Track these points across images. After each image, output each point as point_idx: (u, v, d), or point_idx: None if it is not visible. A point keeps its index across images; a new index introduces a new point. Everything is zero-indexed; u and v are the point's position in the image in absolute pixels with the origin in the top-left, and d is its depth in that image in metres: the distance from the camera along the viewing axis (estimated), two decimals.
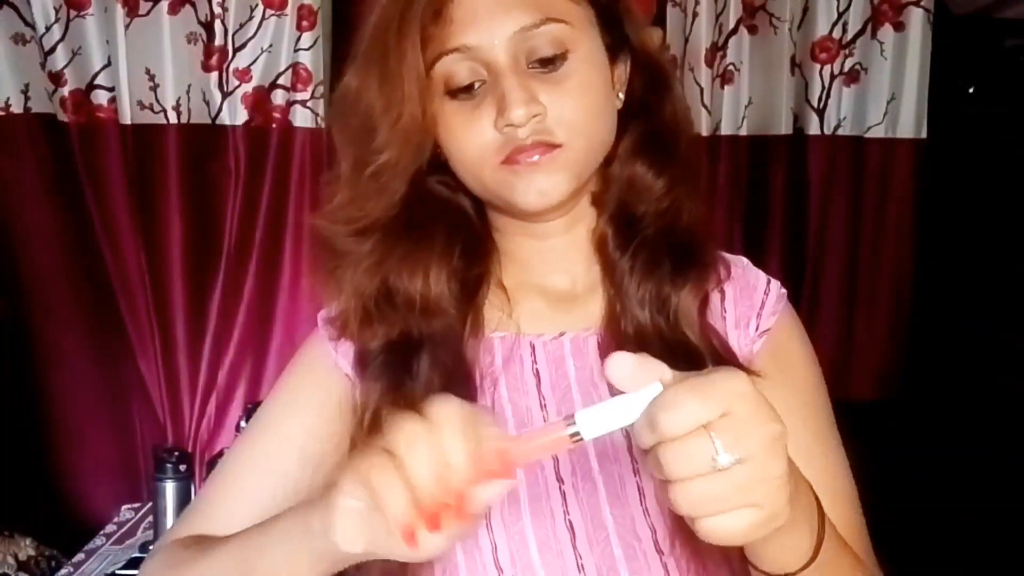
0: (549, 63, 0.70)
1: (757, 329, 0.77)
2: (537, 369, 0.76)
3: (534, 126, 0.69)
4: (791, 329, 0.79)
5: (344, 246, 0.75)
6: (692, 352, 0.71)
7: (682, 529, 0.67)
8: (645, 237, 0.76)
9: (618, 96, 0.77)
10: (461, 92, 0.71)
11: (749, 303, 0.78)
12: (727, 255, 0.80)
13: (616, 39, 0.76)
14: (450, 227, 0.77)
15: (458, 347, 0.74)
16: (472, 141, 0.71)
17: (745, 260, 0.81)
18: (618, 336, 0.74)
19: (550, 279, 0.80)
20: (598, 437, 0.48)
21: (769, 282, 0.80)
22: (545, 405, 0.75)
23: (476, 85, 0.70)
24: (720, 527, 0.46)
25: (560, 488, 0.71)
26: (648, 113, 0.77)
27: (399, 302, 0.74)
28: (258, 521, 0.66)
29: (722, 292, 0.77)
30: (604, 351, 0.75)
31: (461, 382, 0.73)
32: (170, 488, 1.46)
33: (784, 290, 0.80)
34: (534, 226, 0.77)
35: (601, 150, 0.75)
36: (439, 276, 0.74)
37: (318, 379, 0.78)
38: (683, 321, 0.73)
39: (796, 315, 0.80)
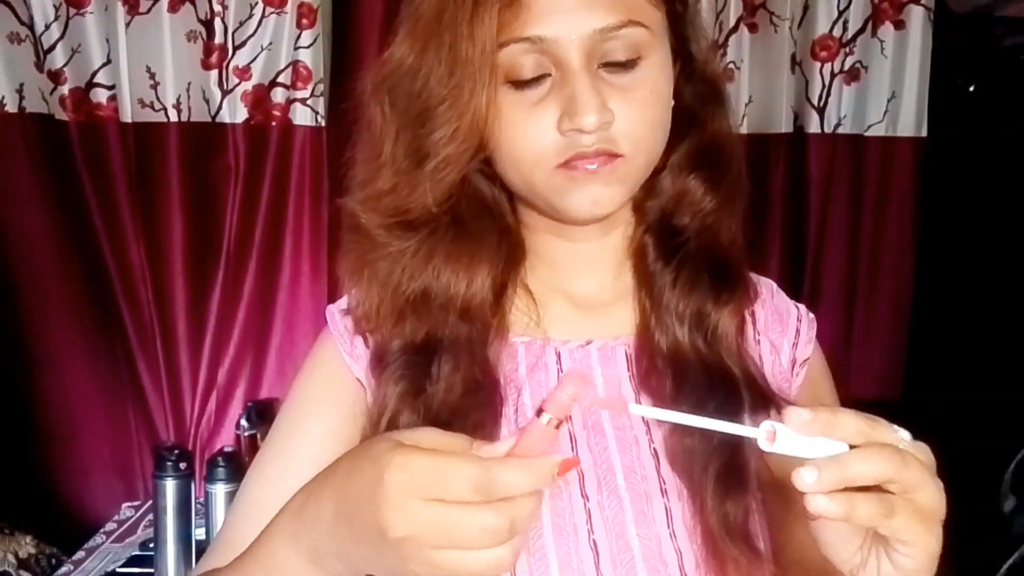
0: (621, 67, 0.66)
1: (793, 358, 0.76)
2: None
3: (600, 133, 0.65)
4: (820, 358, 0.78)
5: (382, 237, 0.70)
6: (727, 375, 0.69)
7: (713, 555, 0.66)
8: (688, 251, 0.73)
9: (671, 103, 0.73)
10: (524, 83, 0.66)
11: (781, 329, 0.76)
12: (755, 276, 0.78)
13: (678, 45, 0.72)
14: (499, 230, 0.73)
15: (482, 351, 0.71)
16: (530, 140, 0.66)
17: (773, 284, 0.80)
18: (650, 349, 0.72)
19: (577, 283, 0.76)
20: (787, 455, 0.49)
21: (798, 308, 0.79)
22: (570, 416, 0.70)
23: (540, 77, 0.66)
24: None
25: (585, 505, 0.68)
26: (701, 125, 0.74)
27: (436, 304, 0.70)
28: None
29: (753, 315, 0.75)
30: (635, 363, 0.73)
31: (485, 388, 0.70)
32: (170, 486, 1.46)
33: (813, 315, 0.79)
34: (568, 228, 0.73)
35: (655, 162, 0.71)
36: (484, 280, 0.70)
37: (330, 386, 0.74)
38: (721, 343, 0.70)
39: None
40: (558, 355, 0.74)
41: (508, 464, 0.47)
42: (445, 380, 0.69)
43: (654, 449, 0.70)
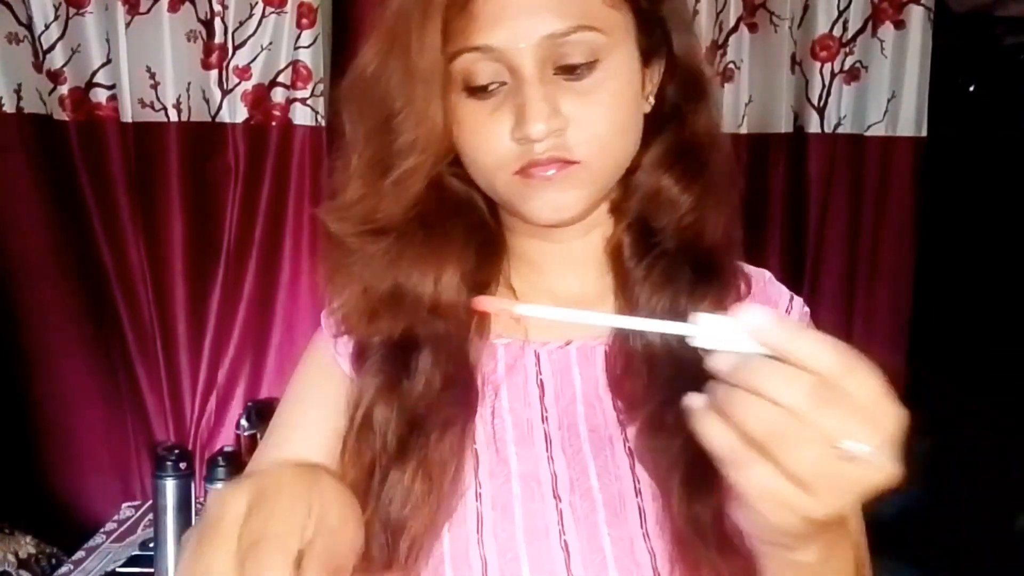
0: (575, 71, 0.65)
1: None
2: (541, 379, 0.73)
3: (553, 141, 0.65)
4: None
5: (354, 244, 0.71)
6: (703, 372, 0.68)
7: (683, 556, 0.65)
8: (664, 250, 0.72)
9: (647, 100, 0.72)
10: (479, 91, 0.66)
11: None
12: (749, 267, 0.77)
13: (654, 42, 0.71)
14: (468, 227, 0.73)
15: (462, 349, 0.71)
16: (487, 148, 0.67)
17: (768, 274, 0.79)
18: (626, 350, 0.72)
19: (560, 284, 0.77)
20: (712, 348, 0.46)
21: (792, 299, 0.77)
22: (547, 417, 0.72)
23: (494, 85, 0.66)
24: (785, 497, 0.43)
25: (557, 506, 0.68)
26: (680, 122, 0.73)
27: (407, 302, 0.71)
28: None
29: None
30: (611, 364, 0.73)
31: (463, 386, 0.70)
32: (170, 486, 1.46)
33: (807, 308, 0.77)
34: (547, 230, 0.73)
35: (623, 165, 0.71)
36: (452, 278, 0.71)
37: (322, 382, 0.76)
38: None
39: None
40: (537, 357, 0.74)
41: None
42: (424, 374, 0.70)
43: (629, 448, 0.70)
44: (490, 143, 0.67)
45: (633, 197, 0.74)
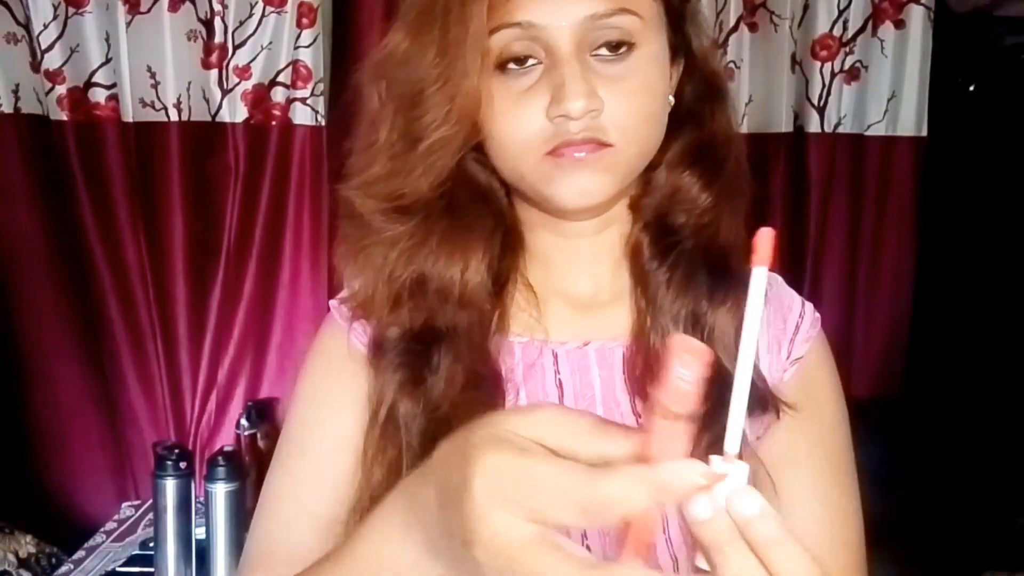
0: (614, 53, 0.65)
1: (789, 355, 0.74)
2: (560, 380, 0.72)
3: (588, 121, 0.64)
4: (822, 359, 0.76)
5: (378, 223, 0.70)
6: (724, 378, 0.67)
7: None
8: (683, 250, 0.72)
9: (668, 99, 0.72)
10: (514, 68, 0.65)
11: (782, 325, 0.75)
12: None
13: (679, 39, 0.71)
14: (494, 213, 0.72)
15: (483, 345, 0.70)
16: (519, 126, 0.65)
17: (779, 279, 0.78)
18: (645, 352, 0.71)
19: (573, 282, 0.76)
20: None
21: (803, 305, 0.77)
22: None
23: (530, 62, 0.65)
24: None
25: None
26: (699, 122, 0.73)
27: (432, 289, 0.69)
28: (328, 534, 0.64)
29: None
30: (630, 365, 0.72)
31: (488, 381, 0.69)
32: (171, 485, 1.46)
33: (818, 315, 0.77)
34: (562, 223, 0.73)
35: (649, 155, 0.70)
36: (479, 266, 0.69)
37: (337, 371, 0.74)
38: (717, 343, 0.69)
39: (827, 342, 0.77)
40: (555, 357, 0.73)
41: (621, 477, 0.38)
42: (446, 371, 0.68)
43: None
44: (523, 122, 0.65)
45: (652, 194, 0.73)
